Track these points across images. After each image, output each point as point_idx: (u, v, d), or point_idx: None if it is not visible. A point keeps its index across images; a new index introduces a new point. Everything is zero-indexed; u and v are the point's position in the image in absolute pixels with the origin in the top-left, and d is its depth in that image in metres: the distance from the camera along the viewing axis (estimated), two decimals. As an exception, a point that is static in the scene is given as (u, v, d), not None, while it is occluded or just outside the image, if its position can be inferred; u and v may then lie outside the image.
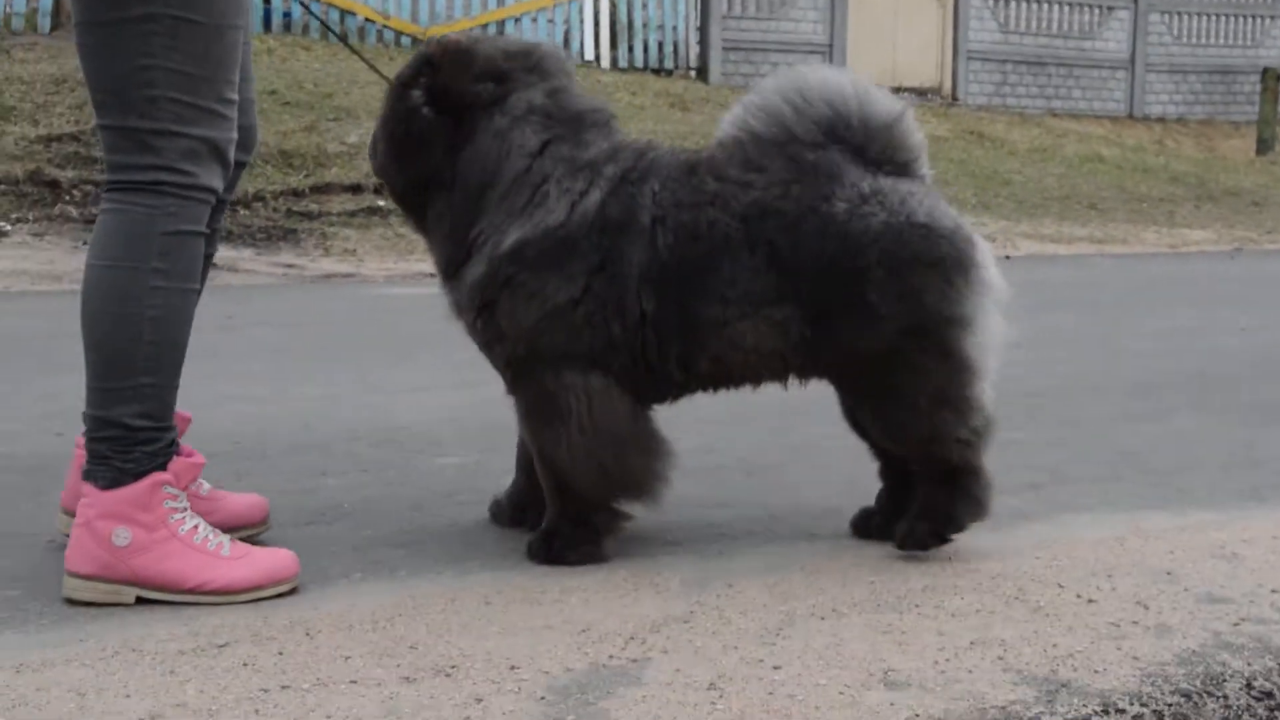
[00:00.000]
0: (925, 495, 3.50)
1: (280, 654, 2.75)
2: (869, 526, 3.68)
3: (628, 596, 3.13)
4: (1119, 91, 21.76)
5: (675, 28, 17.41)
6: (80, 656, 2.72)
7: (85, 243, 9.20)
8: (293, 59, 14.25)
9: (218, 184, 3.11)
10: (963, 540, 3.49)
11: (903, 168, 3.46)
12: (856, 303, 3.32)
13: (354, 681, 2.62)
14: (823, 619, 3.01)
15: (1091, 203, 15.12)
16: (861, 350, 3.35)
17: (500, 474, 4.13)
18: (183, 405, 3.21)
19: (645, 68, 17.08)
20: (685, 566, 3.36)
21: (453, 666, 2.70)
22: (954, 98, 20.22)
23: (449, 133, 3.35)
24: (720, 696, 2.58)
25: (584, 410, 3.31)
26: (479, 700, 2.53)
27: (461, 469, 4.24)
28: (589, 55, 16.68)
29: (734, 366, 3.40)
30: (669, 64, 17.35)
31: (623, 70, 16.63)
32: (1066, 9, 21.24)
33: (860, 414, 3.55)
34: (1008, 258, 11.98)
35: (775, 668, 2.72)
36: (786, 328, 3.34)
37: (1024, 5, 20.87)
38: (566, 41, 16.63)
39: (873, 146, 3.43)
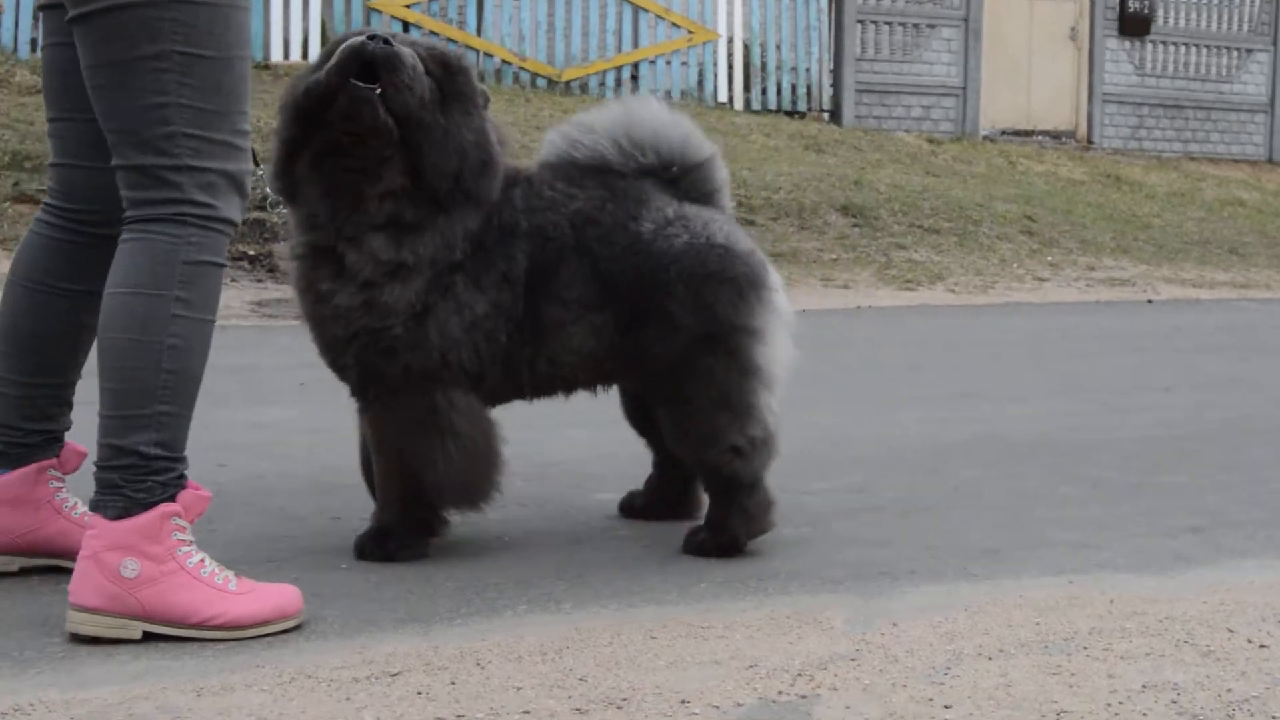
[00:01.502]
0: (710, 508, 3.80)
1: (453, 684, 2.77)
2: (633, 507, 4.12)
3: (792, 633, 3.13)
4: (1258, 135, 21.41)
5: (809, 70, 17.41)
6: (258, 682, 2.76)
7: (255, 280, 9.38)
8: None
9: (237, 215, 3.11)
10: (1126, 583, 3.46)
11: (708, 198, 3.79)
12: (659, 313, 3.61)
13: (527, 712, 2.63)
14: (990, 659, 2.99)
15: (1232, 247, 14.88)
16: (659, 356, 3.63)
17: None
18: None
19: (778, 110, 17.10)
20: (848, 605, 3.35)
21: (624, 699, 2.71)
22: (1089, 141, 20.01)
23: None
24: (895, 734, 2.56)
25: (465, 428, 3.52)
26: (654, 732, 2.54)
27: (617, 503, 4.25)
28: (722, 97, 16.74)
29: (562, 368, 3.67)
30: (802, 106, 17.35)
31: (756, 112, 16.65)
32: (1204, 51, 20.97)
33: (657, 418, 3.79)
34: (1149, 301, 11.83)
35: (946, 706, 2.71)
36: (602, 332, 3.62)
37: (1161, 48, 20.63)
38: (700, 83, 16.70)
39: (686, 179, 3.76)
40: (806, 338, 8.06)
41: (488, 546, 3.77)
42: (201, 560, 3.04)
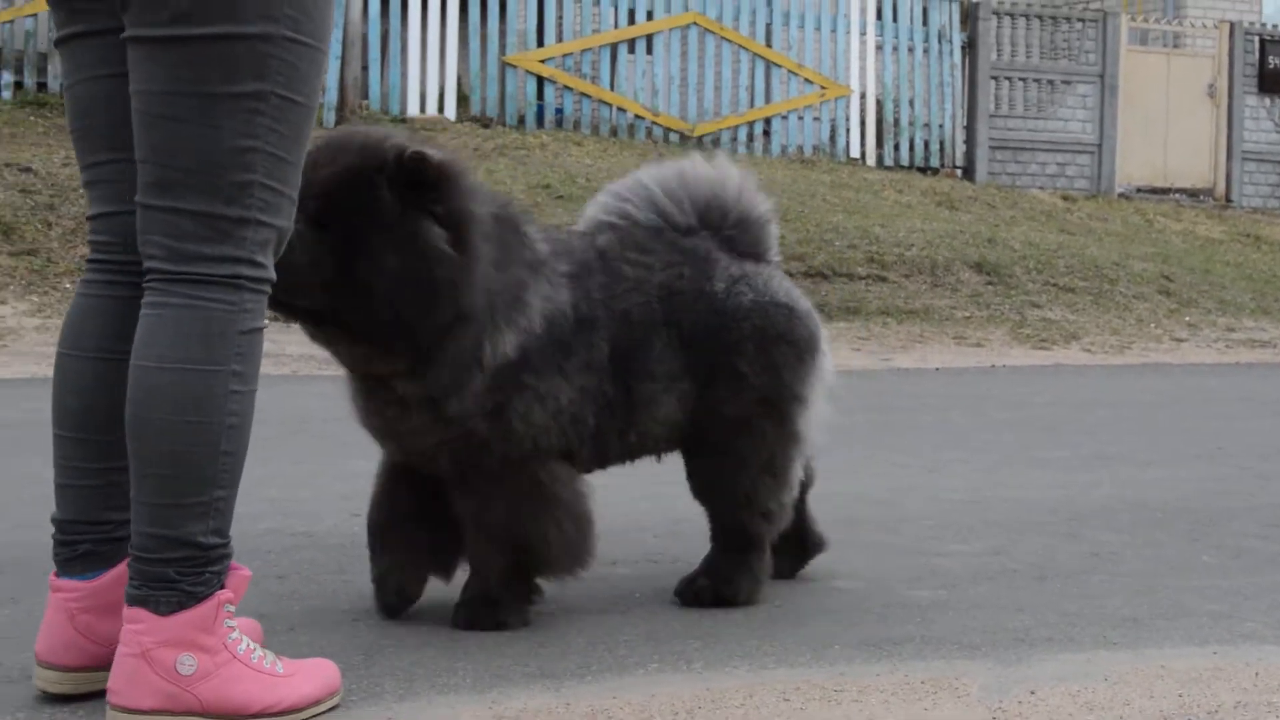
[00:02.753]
0: (714, 557, 3.80)
1: (585, 741, 2.76)
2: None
3: (926, 700, 3.07)
4: (1404, 195, 20.96)
5: (942, 126, 17.33)
6: (390, 735, 2.76)
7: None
8: (564, 154, 14.54)
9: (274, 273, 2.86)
10: (1272, 655, 3.36)
11: (762, 255, 3.82)
12: (731, 372, 3.66)
13: (660, 773, 2.61)
14: (1132, 732, 2.91)
15: (1377, 309, 14.55)
16: (724, 414, 3.66)
17: (787, 569, 4.11)
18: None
19: (911, 166, 17.03)
20: (984, 671, 3.28)
21: (758, 762, 2.68)
22: (1227, 199, 19.69)
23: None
24: (1035, 807, 2.50)
25: (570, 498, 3.48)
26: (788, 798, 2.50)
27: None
28: (854, 153, 16.70)
29: (648, 439, 3.66)
30: (935, 162, 17.27)
31: (888, 168, 16.59)
32: (1348, 109, 20.57)
33: (693, 475, 3.78)
34: (1292, 364, 11.59)
35: (1088, 780, 2.64)
36: (686, 398, 3.64)
37: (1303, 105, 20.27)
38: (833, 139, 16.68)
39: (744, 238, 3.78)
40: (939, 396, 8.03)
41: (618, 602, 3.76)
42: (249, 646, 2.82)
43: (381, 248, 3.15)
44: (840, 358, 9.56)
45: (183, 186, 2.71)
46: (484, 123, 15.35)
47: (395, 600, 3.51)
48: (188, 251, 2.72)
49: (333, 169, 3.15)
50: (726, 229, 3.77)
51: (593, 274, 3.55)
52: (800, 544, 4.05)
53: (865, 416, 7.45)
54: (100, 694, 2.82)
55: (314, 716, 2.85)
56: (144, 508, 2.72)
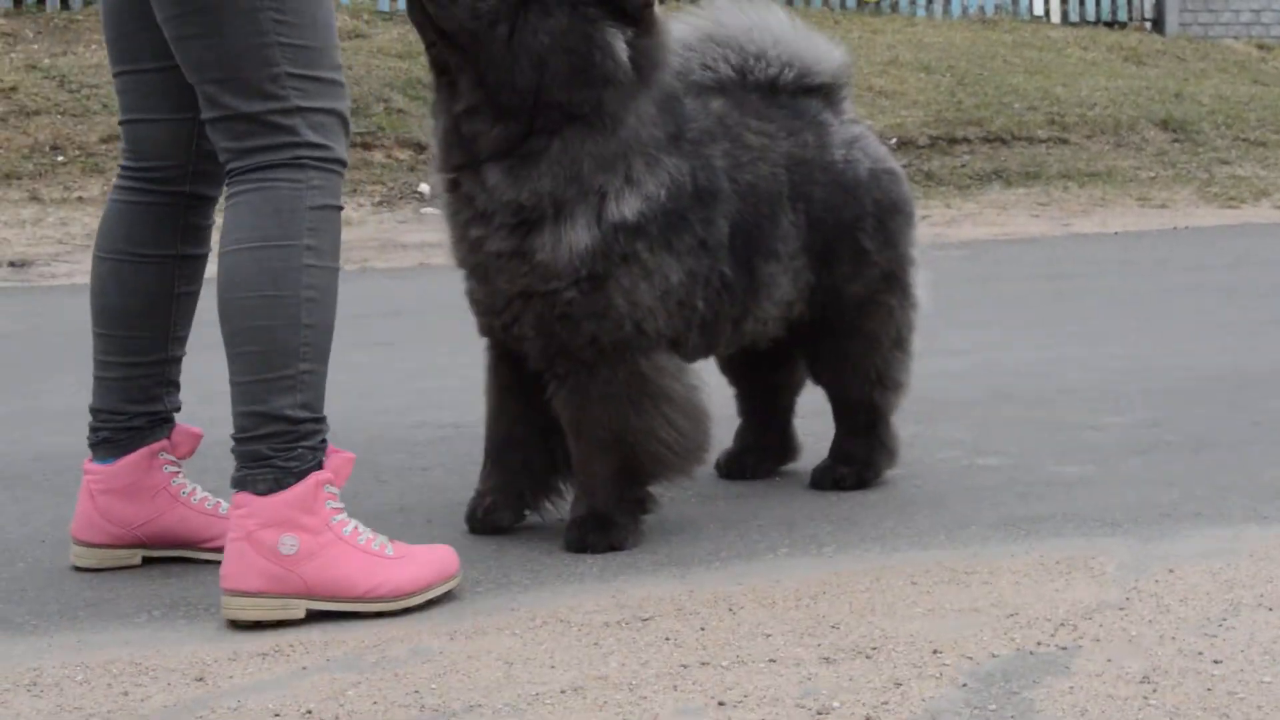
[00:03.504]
0: (844, 443, 3.71)
1: (702, 629, 2.75)
2: (744, 466, 3.80)
3: (1059, 580, 3.01)
4: None
5: (1130, -23, 16.75)
6: (510, 625, 2.79)
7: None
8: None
9: (346, 155, 2.92)
10: None
11: (841, 106, 3.65)
12: (854, 248, 3.51)
13: (773, 660, 2.60)
14: (1270, 610, 2.82)
15: None
16: (849, 293, 3.53)
17: (937, 445, 4.06)
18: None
19: (1097, 21, 16.50)
20: (1123, 549, 3.21)
21: (874, 648, 2.65)
22: None
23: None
24: (1154, 691, 2.44)
25: (680, 391, 3.25)
26: (898, 685, 2.48)
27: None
28: (1038, 10, 16.21)
29: (762, 323, 3.45)
30: (1122, 16, 16.70)
31: (1074, 24, 16.09)
32: None
33: (821, 361, 3.64)
34: None
35: (1215, 662, 2.57)
36: (800, 276, 3.46)
37: None
38: (1015, -3, 16.23)
39: (836, 90, 3.63)
40: (1119, 261, 7.81)
41: (755, 487, 3.74)
42: (356, 527, 2.87)
43: (559, 14, 3.06)
44: (1018, 225, 9.41)
45: (223, 95, 2.80)
46: None
47: (479, 527, 3.37)
48: (247, 148, 2.82)
49: None
50: (809, 81, 3.58)
51: (716, 141, 3.33)
52: (780, 446, 3.87)
53: (1035, 285, 7.31)
54: (123, 570, 3.10)
55: (423, 602, 2.87)
56: (237, 388, 2.82)
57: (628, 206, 3.13)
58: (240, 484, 2.81)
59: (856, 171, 3.53)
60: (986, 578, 3.03)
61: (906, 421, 4.08)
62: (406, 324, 6.27)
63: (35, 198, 9.06)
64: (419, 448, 4.15)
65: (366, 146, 9.87)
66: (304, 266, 2.80)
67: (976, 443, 4.11)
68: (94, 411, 3.12)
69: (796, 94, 3.56)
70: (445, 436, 4.28)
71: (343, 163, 2.90)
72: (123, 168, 3.09)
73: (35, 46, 11.17)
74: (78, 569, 3.12)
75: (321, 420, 2.86)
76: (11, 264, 7.96)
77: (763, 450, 3.83)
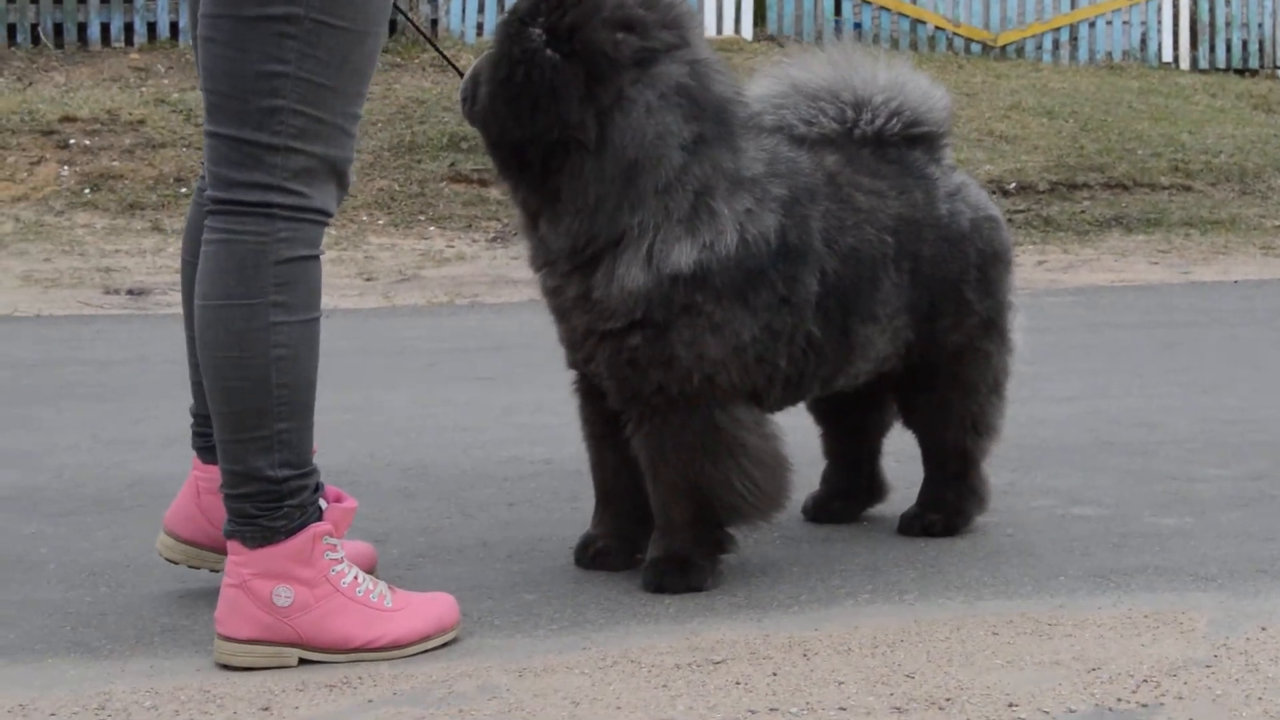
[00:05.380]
0: (934, 489, 3.64)
1: (774, 675, 2.72)
2: (831, 510, 3.74)
3: (1146, 634, 2.94)
4: None
5: (1261, 25, 16.45)
6: (580, 664, 2.77)
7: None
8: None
9: (332, 206, 2.80)
10: None
11: (943, 153, 3.59)
12: (957, 300, 3.47)
13: (843, 708, 2.56)
14: (1366, 672, 2.73)
15: None
16: (948, 343, 3.49)
17: (1033, 493, 3.99)
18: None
19: (1227, 68, 16.24)
20: (1215, 605, 3.12)
21: (947, 699, 2.60)
22: None
23: (584, 84, 3.00)
24: (1233, 752, 2.37)
25: (756, 443, 3.20)
26: (968, 737, 2.43)
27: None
28: (1167, 57, 15.99)
29: (856, 377, 3.41)
30: (1253, 63, 16.44)
31: (1203, 71, 15.85)
32: None
33: (916, 407, 3.61)
34: None
35: (1303, 723, 2.49)
36: (900, 334, 3.41)
37: None
38: (1144, 43, 16.02)
39: (940, 139, 3.58)
40: (1234, 310, 7.65)
41: (841, 530, 3.69)
42: (355, 578, 2.82)
43: (498, 48, 3.08)
44: (1136, 272, 9.25)
45: (219, 111, 2.73)
46: (779, 41, 15.21)
47: (587, 565, 3.35)
48: (225, 177, 2.74)
49: None
50: (915, 131, 3.53)
51: (817, 200, 3.25)
52: (868, 489, 3.79)
53: (1149, 332, 7.18)
54: (200, 597, 3.06)
55: (421, 653, 2.82)
56: (219, 444, 2.78)
57: (682, 255, 3.07)
58: (232, 535, 2.78)
59: (960, 224, 3.49)
60: (1071, 630, 2.96)
61: (1002, 469, 4.02)
62: (509, 359, 6.28)
63: (158, 228, 9.22)
64: (508, 483, 4.14)
65: (482, 183, 9.94)
66: (270, 325, 2.73)
67: (1073, 492, 4.03)
68: (199, 416, 3.09)
69: (902, 145, 3.51)
70: (536, 472, 4.27)
71: (321, 212, 2.79)
72: (202, 176, 3.02)
73: (165, 81, 11.40)
74: (163, 558, 3.16)
75: (308, 474, 2.80)
76: (130, 292, 8.09)
77: (850, 494, 3.77)
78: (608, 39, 3.02)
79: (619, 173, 3.04)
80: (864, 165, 3.43)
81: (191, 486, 3.11)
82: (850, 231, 3.29)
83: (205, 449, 3.05)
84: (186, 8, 3.04)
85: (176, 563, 3.15)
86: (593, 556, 3.36)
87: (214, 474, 2.92)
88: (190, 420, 3.15)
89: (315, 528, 2.78)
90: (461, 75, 3.22)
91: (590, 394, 3.35)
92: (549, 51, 3.01)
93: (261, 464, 2.73)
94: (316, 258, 2.80)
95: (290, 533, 2.75)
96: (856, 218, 3.32)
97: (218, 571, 3.03)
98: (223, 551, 2.89)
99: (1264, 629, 2.97)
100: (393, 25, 13.09)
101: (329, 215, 2.81)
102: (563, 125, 3.01)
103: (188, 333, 3.04)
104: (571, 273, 3.13)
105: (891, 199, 3.40)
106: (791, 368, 3.24)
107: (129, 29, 12.25)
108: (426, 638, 2.84)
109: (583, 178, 3.04)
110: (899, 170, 3.47)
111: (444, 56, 3.61)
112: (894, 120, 3.51)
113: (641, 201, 3.05)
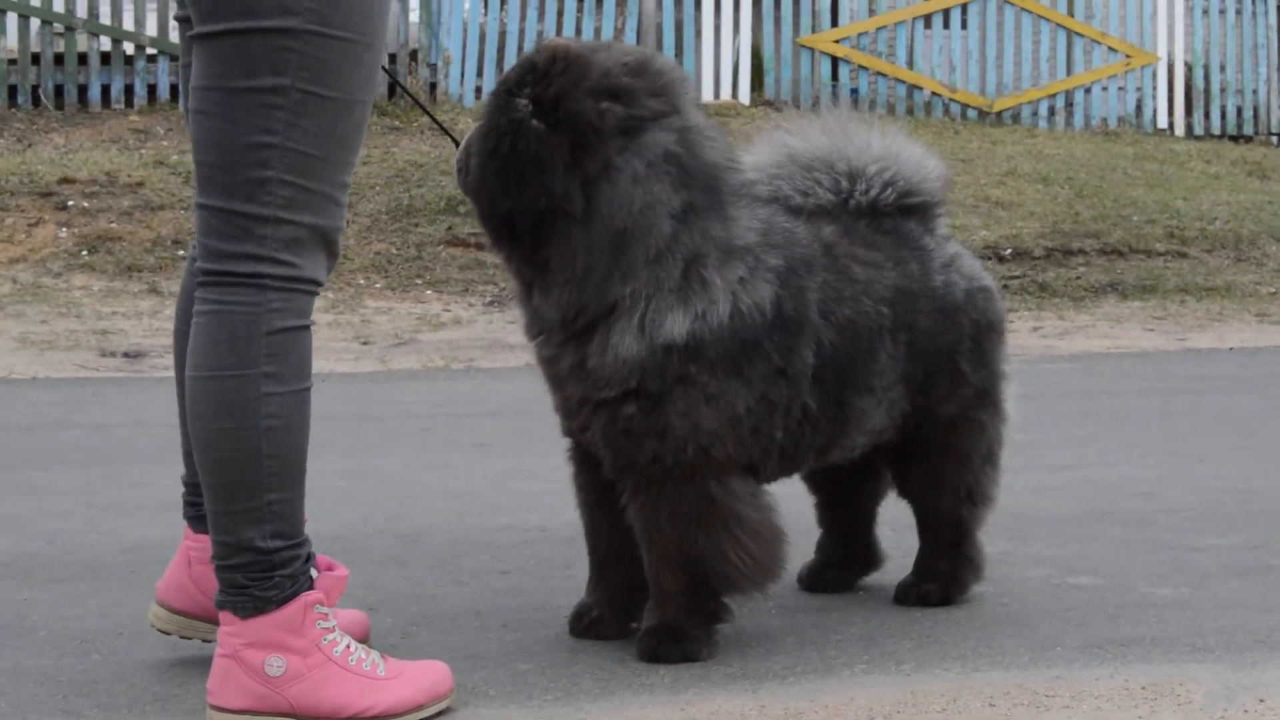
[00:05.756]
0: (930, 558, 3.63)
1: (769, 746, 2.70)
2: (826, 579, 3.73)
3: (1144, 706, 2.93)
4: None
5: (1255, 91, 16.53)
6: (574, 736, 2.76)
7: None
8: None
9: (322, 276, 2.81)
10: None
11: (937, 225, 3.59)
12: (952, 371, 3.47)
13: (838, 781, 2.54)
14: (1364, 746, 2.72)
15: None
16: (941, 414, 3.48)
17: (1028, 563, 3.97)
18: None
19: (1222, 135, 16.32)
20: (1212, 676, 3.11)
21: (943, 772, 2.58)
22: None
23: (569, 154, 3.01)
24: (1231, 828, 2.35)
25: (751, 515, 3.18)
26: (964, 812, 2.41)
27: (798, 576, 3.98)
28: (1162, 123, 16.06)
29: (851, 449, 3.40)
30: (1248, 130, 16.51)
31: (1198, 138, 15.92)
32: None
33: (911, 477, 3.60)
34: None
35: (1301, 799, 2.47)
36: (896, 406, 3.40)
37: None
38: (1139, 110, 16.10)
39: (935, 208, 3.58)
40: (1229, 378, 7.65)
41: (837, 600, 3.67)
42: (348, 646, 2.81)
43: (484, 117, 3.09)
44: (1131, 338, 9.26)
45: (209, 182, 2.72)
46: (776, 106, 15.28)
47: (582, 634, 3.33)
48: (215, 248, 2.73)
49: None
50: (910, 201, 3.51)
51: (814, 271, 3.24)
52: (863, 557, 3.77)
53: (1145, 400, 7.18)
54: (193, 665, 3.01)
55: None
56: (209, 515, 2.77)
57: (675, 325, 3.05)
58: (224, 605, 2.77)
59: (955, 295, 3.48)
60: (1068, 702, 2.95)
61: (998, 538, 4.01)
62: (504, 425, 6.27)
63: (155, 290, 9.23)
64: (502, 550, 4.13)
65: (479, 247, 9.94)
66: (262, 395, 2.72)
67: (1069, 561, 4.02)
68: (190, 485, 3.06)
69: (897, 215, 3.50)
70: (531, 540, 4.26)
71: (313, 281, 2.79)
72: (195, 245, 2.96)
73: (164, 143, 11.43)
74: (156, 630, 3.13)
75: (300, 544, 2.79)
76: (127, 354, 8.09)
77: (844, 563, 3.76)
78: (592, 108, 3.01)
79: (607, 242, 3.02)
80: (860, 236, 3.42)
81: (183, 556, 3.09)
82: (847, 303, 3.28)
83: (196, 518, 3.03)
84: (180, 78, 3.01)
85: (169, 633, 3.13)
86: (587, 626, 3.33)
87: (205, 543, 2.88)
88: (182, 489, 3.13)
89: (307, 597, 2.76)
90: (457, 143, 3.21)
91: (585, 461, 3.33)
92: (534, 121, 3.00)
93: (253, 535, 2.72)
94: (307, 328, 2.80)
95: (281, 602, 2.73)
96: (854, 289, 3.30)
97: (210, 642, 3.00)
98: (215, 622, 2.85)
99: (1262, 700, 2.96)
100: (392, 88, 13.17)
101: (319, 285, 2.81)
102: (549, 195, 3.00)
103: (180, 401, 3.02)
104: (566, 342, 3.12)
105: (888, 270, 3.39)
106: (787, 439, 3.23)
107: (129, 90, 12.29)
108: (420, 707, 2.82)
109: (571, 248, 3.03)
110: (894, 241, 3.46)
111: (439, 124, 3.58)
112: (888, 190, 3.50)
113: (632, 271, 3.04)
